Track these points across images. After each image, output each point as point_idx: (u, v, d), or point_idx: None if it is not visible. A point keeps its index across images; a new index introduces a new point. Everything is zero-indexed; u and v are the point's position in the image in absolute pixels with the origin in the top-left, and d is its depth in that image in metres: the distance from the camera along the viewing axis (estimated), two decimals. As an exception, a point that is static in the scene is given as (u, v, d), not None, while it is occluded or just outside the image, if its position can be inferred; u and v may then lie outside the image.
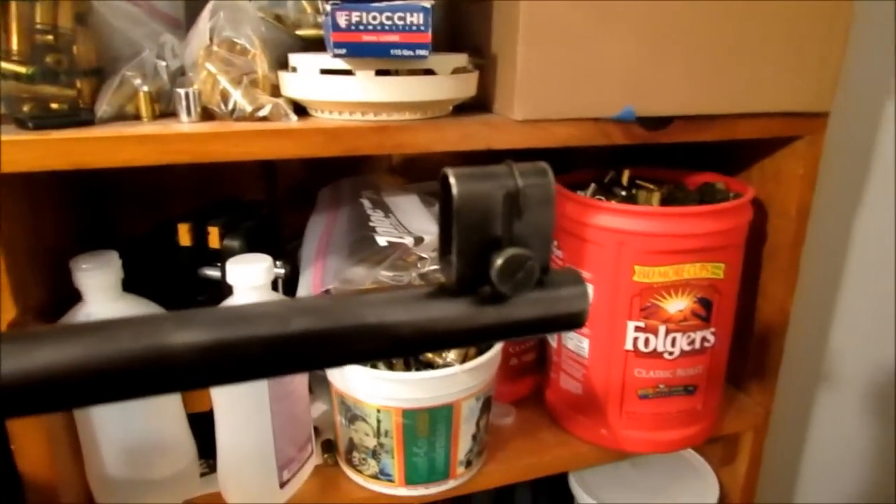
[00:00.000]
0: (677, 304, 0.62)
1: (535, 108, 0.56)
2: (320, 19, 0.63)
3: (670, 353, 0.63)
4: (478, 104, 0.61)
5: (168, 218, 0.69)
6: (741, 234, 0.64)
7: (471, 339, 0.19)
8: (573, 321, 0.21)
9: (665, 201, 0.69)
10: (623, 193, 0.71)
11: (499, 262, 0.19)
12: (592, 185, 0.71)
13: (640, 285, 0.61)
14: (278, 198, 0.82)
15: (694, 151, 0.75)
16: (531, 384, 0.79)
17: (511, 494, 0.96)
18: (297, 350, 0.18)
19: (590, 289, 0.54)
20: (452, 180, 0.19)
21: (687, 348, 0.63)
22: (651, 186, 0.72)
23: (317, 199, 0.72)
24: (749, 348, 0.78)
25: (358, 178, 0.74)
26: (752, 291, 0.76)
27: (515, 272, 0.19)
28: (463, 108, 0.59)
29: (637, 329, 0.62)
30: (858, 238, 1.00)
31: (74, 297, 0.55)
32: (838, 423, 1.14)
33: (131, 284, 0.57)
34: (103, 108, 0.53)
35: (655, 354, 0.63)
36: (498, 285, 0.19)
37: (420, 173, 0.84)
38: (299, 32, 0.63)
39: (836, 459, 1.17)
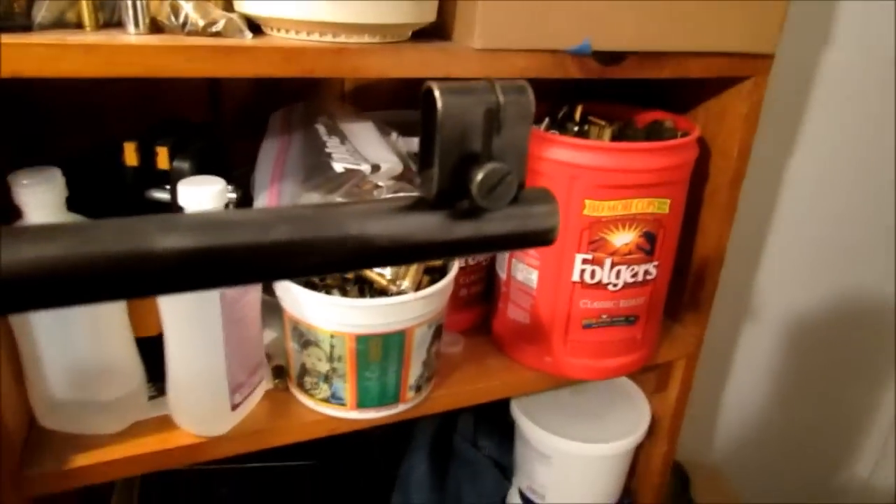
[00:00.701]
0: (623, 238, 0.64)
1: (495, 38, 0.55)
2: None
3: (614, 285, 0.66)
4: (436, 31, 0.60)
5: (110, 137, 0.67)
6: (687, 171, 0.67)
7: (448, 252, 0.20)
8: (545, 237, 0.22)
9: (616, 137, 0.70)
10: (576, 129, 0.72)
11: (479, 176, 0.19)
12: (546, 119, 0.72)
13: (589, 219, 0.63)
14: (223, 120, 0.80)
15: (644, 89, 0.77)
16: (479, 314, 0.81)
17: (454, 420, 1.00)
18: (278, 257, 0.19)
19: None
20: (437, 94, 0.19)
21: (630, 280, 0.66)
22: (602, 122, 0.73)
23: (268, 123, 0.71)
24: (686, 281, 0.82)
25: (311, 103, 0.73)
26: (692, 227, 0.79)
27: (495, 186, 0.20)
28: (421, 34, 0.58)
29: (584, 261, 0.65)
30: (790, 180, 1.05)
31: (13, 215, 0.53)
32: (758, 353, 1.22)
33: (74, 204, 0.56)
34: (42, 13, 0.50)
35: (600, 286, 0.66)
36: (477, 199, 0.20)
37: (370, 101, 0.83)
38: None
39: (755, 387, 1.26)
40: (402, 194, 0.18)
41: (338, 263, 0.20)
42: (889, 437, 1.40)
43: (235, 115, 0.79)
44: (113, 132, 0.70)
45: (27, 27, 0.49)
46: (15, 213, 0.53)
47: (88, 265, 0.17)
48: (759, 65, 0.68)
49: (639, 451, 0.93)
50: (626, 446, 0.85)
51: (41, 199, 0.52)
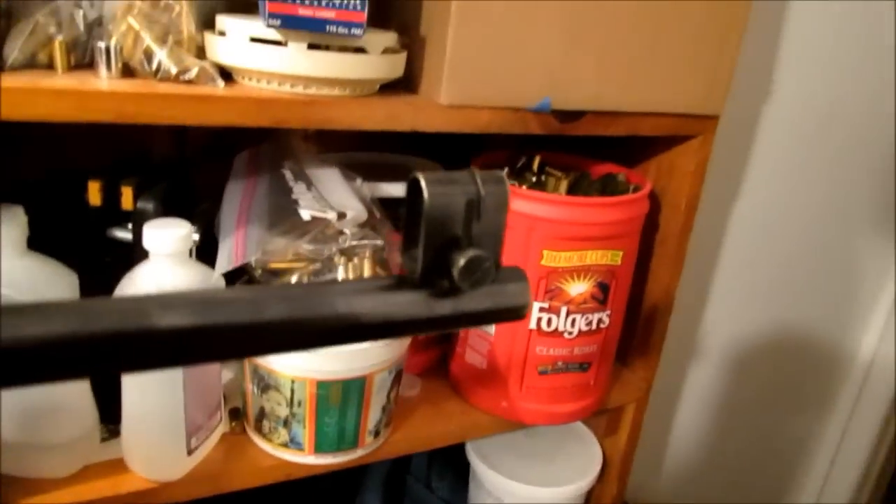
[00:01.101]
0: (578, 288, 0.67)
1: (460, 94, 0.58)
2: (247, -19, 0.62)
3: (570, 333, 0.68)
4: (402, 82, 0.62)
5: (72, 167, 0.66)
6: (639, 224, 0.70)
7: (430, 327, 0.21)
8: (517, 313, 0.23)
9: (571, 188, 0.73)
10: (533, 178, 0.75)
11: (461, 262, 0.21)
12: (505, 169, 0.74)
13: (546, 269, 0.65)
14: (187, 155, 0.80)
15: (599, 142, 0.80)
16: (435, 356, 0.82)
17: (408, 460, 1.00)
18: (272, 334, 0.20)
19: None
20: (423, 185, 0.21)
21: (584, 328, 0.68)
22: (559, 174, 0.76)
23: (233, 163, 0.71)
24: (636, 327, 0.85)
25: (276, 145, 0.73)
26: (642, 275, 0.82)
27: (475, 271, 0.21)
28: (387, 86, 0.60)
29: (541, 310, 0.67)
30: (732, 228, 1.10)
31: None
32: (703, 390, 1.26)
33: (33, 241, 0.55)
34: (14, 54, 0.50)
35: (556, 333, 0.68)
36: (458, 282, 0.21)
37: (332, 142, 0.85)
38: (224, -8, 0.62)
39: (700, 422, 1.30)
40: (381, 276, 0.19)
41: (328, 339, 0.21)
42: (833, 465, 1.46)
43: (200, 150, 0.79)
44: (75, 162, 0.70)
45: (-4, 68, 0.49)
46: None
47: (89, 343, 0.18)
48: (706, 125, 0.72)
49: (589, 493, 0.95)
50: (578, 490, 0.87)
51: (2, 238, 0.51)
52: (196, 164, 0.79)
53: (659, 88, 0.66)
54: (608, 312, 0.70)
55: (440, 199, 0.21)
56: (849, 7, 1.00)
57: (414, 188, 0.21)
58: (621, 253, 0.67)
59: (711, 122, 0.72)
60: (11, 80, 0.46)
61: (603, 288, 0.68)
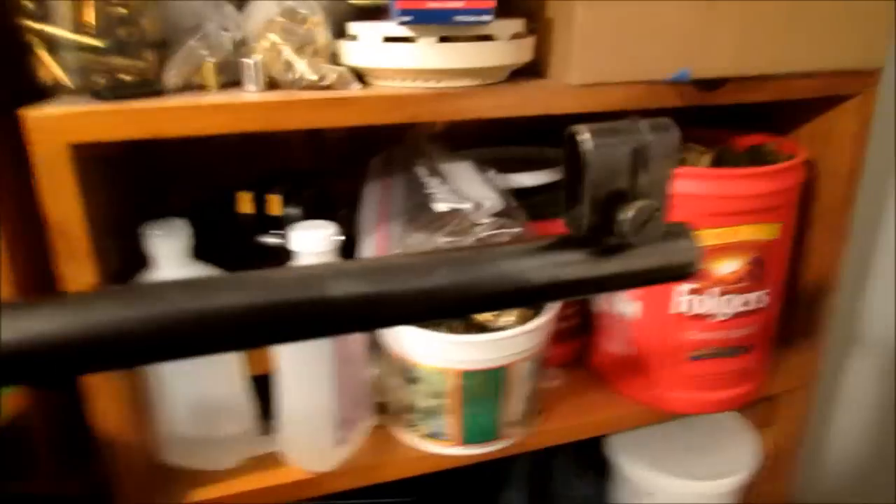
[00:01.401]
0: (731, 266, 0.63)
1: (591, 72, 0.56)
2: (372, -12, 0.63)
3: (724, 315, 0.64)
4: (531, 69, 0.61)
5: (219, 188, 0.71)
6: (794, 195, 0.65)
7: (598, 288, 0.21)
8: (687, 270, 0.22)
9: (715, 163, 0.69)
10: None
11: (630, 214, 0.20)
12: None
13: (693, 248, 0.62)
14: (323, 166, 0.83)
15: (742, 112, 0.75)
16: (575, 348, 0.80)
17: (551, 457, 0.98)
18: (441, 299, 0.20)
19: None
20: (585, 136, 0.20)
21: (741, 309, 0.64)
22: (700, 148, 0.72)
23: (369, 168, 0.74)
24: (797, 309, 0.78)
25: (407, 147, 0.75)
26: (801, 252, 0.76)
27: (645, 223, 0.20)
28: (516, 73, 0.60)
29: (691, 291, 0.63)
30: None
31: (142, 264, 0.58)
32: (868, 384, 1.14)
33: (196, 251, 0.59)
34: (172, 79, 0.55)
35: (708, 316, 0.64)
36: (628, 235, 0.20)
37: (463, 140, 0.85)
38: (352, 2, 0.64)
39: (867, 420, 1.18)
40: (546, 236, 0.18)
41: (495, 303, 0.21)
42: None
43: (335, 161, 0.83)
44: (221, 183, 0.75)
45: (160, 92, 0.54)
46: (145, 261, 0.57)
47: (273, 312, 0.19)
48: (867, 81, 0.66)
49: (747, 491, 0.88)
50: (734, 484, 0.81)
51: (171, 248, 0.56)
52: (332, 173, 0.83)
53: (808, 45, 0.61)
54: (766, 291, 0.65)
55: (603, 149, 0.20)
56: None
57: (571, 141, 0.20)
58: (779, 226, 0.62)
59: (872, 77, 0.66)
60: (174, 102, 0.51)
61: (758, 265, 0.63)
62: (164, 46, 0.58)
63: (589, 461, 0.98)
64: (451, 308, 0.20)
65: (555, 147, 0.72)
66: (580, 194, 0.20)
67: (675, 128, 0.20)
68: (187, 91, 0.56)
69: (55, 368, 0.17)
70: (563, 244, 0.21)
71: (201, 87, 0.57)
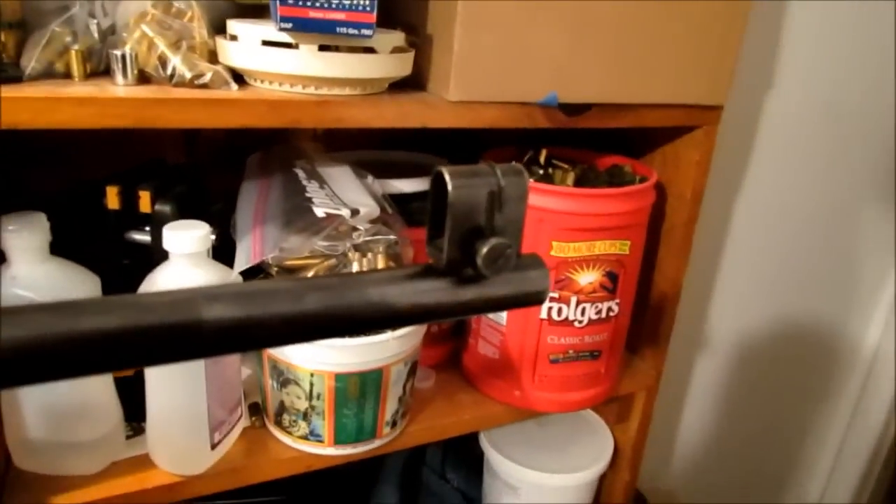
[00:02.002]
0: (588, 277, 0.68)
1: (468, 91, 0.59)
2: (255, -15, 0.63)
3: (580, 322, 0.69)
4: (410, 81, 0.63)
5: (86, 176, 0.68)
6: (646, 215, 0.71)
7: (456, 313, 0.23)
8: (538, 298, 0.25)
9: (578, 181, 0.74)
10: (541, 172, 0.76)
11: (484, 249, 0.22)
12: (513, 163, 0.75)
13: (556, 259, 0.66)
14: (198, 159, 0.81)
15: (604, 136, 0.81)
16: (448, 349, 0.83)
17: (422, 452, 1.02)
18: (311, 324, 0.21)
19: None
20: (447, 178, 0.22)
21: (594, 317, 0.70)
22: (566, 166, 0.77)
23: (245, 165, 0.73)
24: (645, 317, 0.86)
25: (287, 147, 0.75)
26: (650, 265, 0.83)
27: (497, 258, 0.23)
28: (396, 84, 0.61)
29: (552, 300, 0.68)
30: (737, 219, 1.11)
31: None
32: (712, 380, 1.27)
33: (54, 247, 0.56)
34: (32, 64, 0.52)
35: (567, 323, 0.69)
36: (482, 269, 0.23)
37: (339, 142, 0.86)
38: (234, -2, 0.63)
39: (709, 413, 1.31)
40: (409, 265, 0.20)
41: (361, 326, 0.22)
42: (838, 457, 1.47)
43: (210, 154, 0.81)
44: (89, 171, 0.71)
45: (18, 78, 0.50)
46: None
47: (143, 336, 0.19)
48: (710, 115, 0.73)
49: (602, 481, 0.96)
50: (591, 476, 0.88)
51: (26, 243, 0.53)
52: (206, 167, 0.81)
53: (663, 80, 0.67)
54: (617, 301, 0.71)
55: (464, 190, 0.22)
56: (848, 6, 1.00)
57: (438, 181, 0.22)
58: (629, 243, 0.68)
59: (715, 112, 0.73)
60: (33, 90, 0.48)
61: (612, 277, 0.69)
62: (23, 27, 0.54)
63: (462, 456, 1.02)
64: (321, 331, 0.22)
65: (429, 154, 0.74)
66: (443, 229, 0.22)
67: (525, 174, 0.23)
68: (48, 78, 0.53)
69: None
70: (425, 273, 0.23)
71: (65, 75, 0.54)
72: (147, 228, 0.63)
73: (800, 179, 1.13)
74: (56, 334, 0.18)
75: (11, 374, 0.18)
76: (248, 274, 0.59)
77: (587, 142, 0.83)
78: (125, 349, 0.19)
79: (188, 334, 0.20)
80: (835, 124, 1.10)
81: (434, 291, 0.23)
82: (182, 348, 0.20)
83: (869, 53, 1.07)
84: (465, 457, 1.03)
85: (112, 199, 0.61)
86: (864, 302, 1.34)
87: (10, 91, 0.47)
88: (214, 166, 0.80)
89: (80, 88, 0.50)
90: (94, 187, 0.63)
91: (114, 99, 0.49)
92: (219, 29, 0.59)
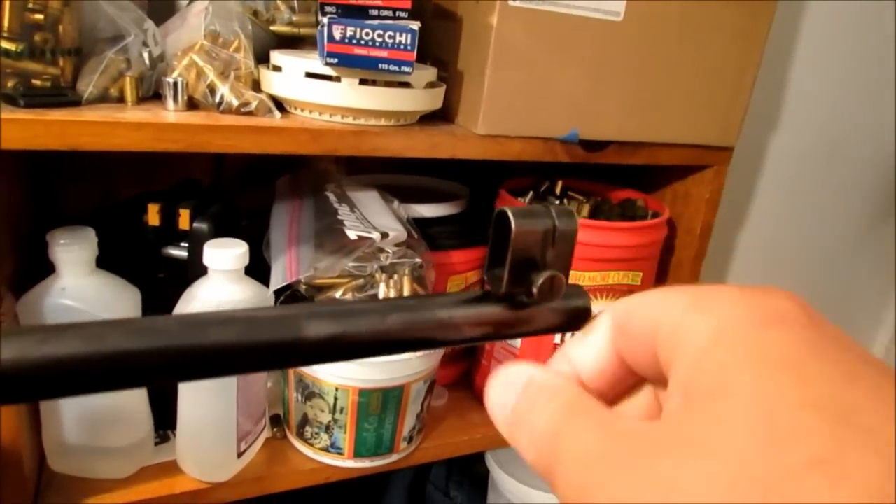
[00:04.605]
0: (600, 306, 0.71)
1: (496, 125, 0.62)
2: (295, 18, 0.67)
3: (592, 347, 0.72)
4: (439, 113, 0.66)
5: (120, 196, 0.71)
6: (657, 248, 0.74)
7: (513, 335, 0.26)
8: (581, 322, 0.28)
9: (592, 213, 0.78)
10: (556, 202, 0.79)
11: (540, 280, 0.26)
12: (530, 193, 0.79)
13: (571, 287, 0.69)
14: (224, 179, 0.85)
15: (618, 170, 0.85)
16: (461, 369, 0.86)
17: (427, 469, 1.04)
18: (393, 340, 0.24)
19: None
20: (511, 218, 0.25)
21: (606, 343, 0.72)
22: (581, 198, 0.81)
23: (276, 187, 0.76)
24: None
25: (315, 170, 0.78)
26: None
27: (551, 288, 0.26)
28: (426, 116, 0.65)
29: (566, 325, 0.71)
30: (740, 253, 1.14)
31: (42, 271, 0.57)
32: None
33: (98, 260, 0.59)
34: (89, 89, 0.55)
35: (579, 347, 0.72)
36: (537, 297, 0.26)
37: (360, 166, 0.89)
38: (274, 28, 0.67)
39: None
40: (472, 291, 0.23)
41: (431, 343, 0.25)
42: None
43: (235, 174, 0.84)
44: (119, 189, 0.75)
45: (77, 102, 0.54)
46: (47, 267, 0.57)
47: (256, 348, 0.22)
48: (721, 156, 0.77)
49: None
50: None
51: (76, 257, 0.56)
52: (233, 185, 0.84)
53: (677, 121, 0.71)
54: (628, 329, 0.74)
55: (525, 229, 0.25)
56: (853, 41, 1.05)
57: (502, 218, 0.26)
58: (641, 274, 0.71)
59: (726, 153, 0.77)
60: (92, 114, 0.51)
61: (623, 306, 0.72)
62: (79, 54, 0.58)
63: (466, 474, 1.04)
64: (401, 346, 0.25)
65: (449, 180, 0.77)
66: (502, 260, 0.26)
67: (576, 216, 0.26)
68: (103, 102, 0.56)
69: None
70: (485, 298, 0.26)
71: (118, 100, 0.57)
72: (183, 244, 0.66)
73: (802, 214, 1.17)
74: (187, 345, 0.21)
75: (149, 376, 0.21)
76: (278, 291, 0.62)
77: (601, 175, 0.86)
78: (242, 359, 0.22)
79: (292, 347, 0.23)
80: (836, 165, 1.14)
81: (494, 315, 0.26)
82: (286, 359, 0.23)
83: (872, 92, 1.12)
84: (468, 474, 1.05)
85: (153, 215, 0.64)
86: (864, 336, 1.37)
87: (70, 115, 0.50)
88: (240, 186, 0.84)
89: (134, 113, 0.53)
90: (133, 205, 0.66)
91: (168, 125, 0.52)
92: (259, 58, 0.62)
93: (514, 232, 0.25)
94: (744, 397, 0.16)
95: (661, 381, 0.21)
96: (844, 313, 1.32)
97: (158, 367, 0.21)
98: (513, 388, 0.23)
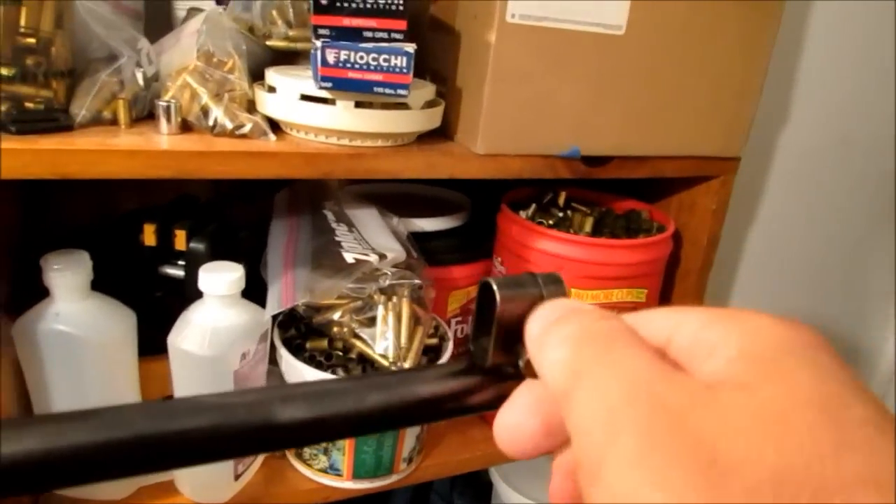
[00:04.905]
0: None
1: (495, 144, 0.61)
2: (291, 32, 0.66)
3: (595, 366, 0.71)
4: (439, 129, 0.65)
5: (119, 209, 0.71)
6: (662, 264, 0.73)
7: (497, 406, 0.25)
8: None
9: (596, 224, 0.76)
10: (560, 214, 0.78)
11: (527, 354, 0.25)
12: (533, 206, 0.78)
13: (573, 305, 0.68)
14: (224, 192, 0.84)
15: (622, 179, 0.83)
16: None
17: (431, 483, 1.03)
18: (370, 421, 0.23)
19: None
20: (496, 290, 0.24)
21: (609, 361, 0.71)
22: (584, 209, 0.79)
23: (274, 202, 0.75)
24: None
25: (312, 183, 0.77)
26: (664, 308, 0.85)
27: (537, 363, 0.25)
28: (425, 133, 0.64)
29: (568, 343, 0.70)
30: (747, 262, 1.13)
31: (37, 289, 0.56)
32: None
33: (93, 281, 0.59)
34: (82, 112, 0.54)
35: (581, 365, 0.71)
36: (524, 370, 0.25)
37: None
38: (270, 43, 0.66)
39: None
40: (456, 363, 0.22)
41: (413, 420, 0.25)
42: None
43: (234, 187, 0.84)
44: (118, 202, 0.74)
45: (69, 126, 0.53)
46: (43, 286, 0.56)
47: (227, 435, 0.22)
48: (727, 166, 0.75)
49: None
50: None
51: (70, 282, 0.55)
52: (231, 200, 0.83)
53: (681, 133, 0.69)
54: (631, 346, 0.72)
55: (510, 301, 0.24)
56: (860, 42, 1.02)
57: (486, 289, 0.25)
58: (646, 291, 0.70)
59: (732, 163, 0.75)
60: (84, 140, 0.51)
61: (627, 323, 0.71)
62: (72, 75, 0.57)
63: (470, 483, 1.04)
64: (379, 426, 0.24)
65: (457, 189, 0.76)
66: (488, 331, 0.25)
67: (563, 283, 0.25)
68: (96, 124, 0.55)
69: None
70: (469, 370, 0.25)
71: (111, 122, 0.57)
72: (181, 263, 0.66)
73: (813, 215, 1.15)
74: (151, 434, 0.20)
75: (108, 470, 0.20)
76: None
77: (605, 185, 0.85)
78: (212, 447, 0.21)
79: (265, 433, 0.22)
80: (843, 171, 1.12)
81: (478, 389, 0.25)
82: (259, 445, 0.22)
83: (879, 95, 1.09)
84: (472, 484, 1.05)
85: (149, 236, 0.64)
86: (872, 355, 1.35)
87: (61, 143, 0.49)
88: (239, 199, 0.83)
89: (126, 139, 0.52)
90: (130, 223, 0.66)
91: (160, 152, 0.51)
92: (255, 73, 0.61)
93: (500, 303, 0.24)
94: (809, 388, 0.16)
95: None
96: (855, 320, 1.30)
97: (127, 459, 0.21)
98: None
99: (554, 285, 0.26)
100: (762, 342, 0.18)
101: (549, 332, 0.22)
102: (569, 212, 0.79)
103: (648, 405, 0.16)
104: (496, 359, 0.25)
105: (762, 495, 0.14)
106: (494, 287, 0.24)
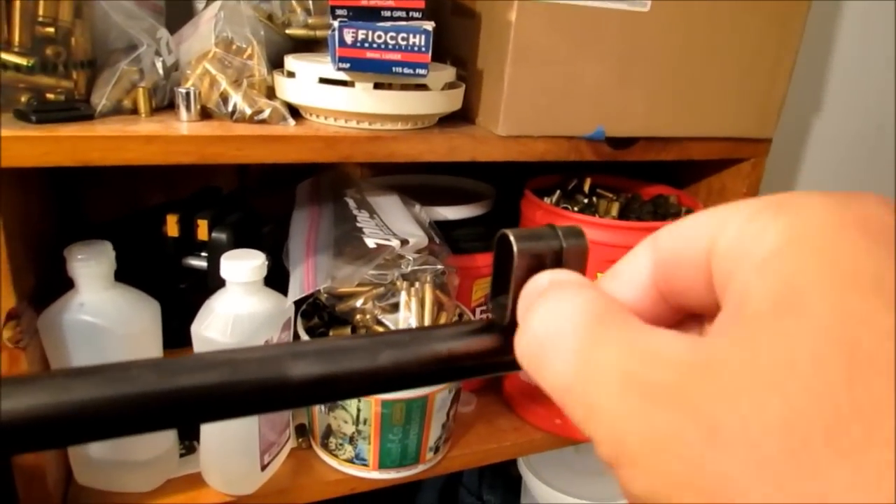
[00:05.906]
0: (632, 308, 0.68)
1: (517, 126, 0.60)
2: (310, 20, 0.65)
3: (624, 352, 0.69)
4: (458, 113, 0.64)
5: (144, 201, 0.71)
6: (690, 247, 0.71)
7: (517, 367, 0.24)
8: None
9: (622, 211, 0.75)
10: (585, 201, 0.76)
11: (547, 309, 0.23)
12: (557, 192, 0.76)
13: (600, 290, 0.67)
14: (248, 183, 0.84)
15: (649, 164, 0.82)
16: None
17: (460, 472, 1.02)
18: (384, 378, 0.22)
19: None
20: (513, 241, 0.23)
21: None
22: (610, 195, 0.78)
23: (296, 192, 0.75)
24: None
25: (334, 173, 0.77)
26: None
27: (558, 316, 0.24)
28: (445, 117, 0.63)
29: (595, 329, 0.68)
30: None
31: (63, 282, 0.57)
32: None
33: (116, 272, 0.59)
34: (103, 102, 0.54)
35: (610, 353, 0.69)
36: (544, 326, 0.24)
37: (383, 166, 0.88)
38: (289, 32, 0.66)
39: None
40: (474, 321, 0.21)
41: (428, 380, 0.24)
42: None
43: (259, 178, 0.84)
44: (143, 194, 0.75)
45: (90, 116, 0.53)
46: (66, 281, 0.56)
47: (237, 391, 0.21)
48: (758, 148, 0.73)
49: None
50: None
51: (94, 272, 0.55)
52: (255, 191, 0.84)
53: (710, 114, 0.67)
54: (661, 333, 0.71)
55: (528, 252, 0.23)
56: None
57: (503, 242, 0.24)
58: (674, 274, 0.68)
59: (763, 145, 0.73)
60: (104, 128, 0.51)
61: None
62: (93, 66, 0.57)
63: (499, 477, 1.03)
64: (394, 384, 0.23)
65: (481, 179, 0.75)
66: (506, 287, 0.23)
67: (584, 236, 0.24)
68: (117, 114, 0.56)
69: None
70: (488, 329, 0.24)
71: (133, 111, 0.57)
72: (203, 254, 0.65)
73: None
74: (160, 391, 0.20)
75: (115, 426, 0.20)
76: (300, 299, 0.61)
77: (631, 170, 0.83)
78: (220, 404, 0.21)
79: (276, 389, 0.21)
80: (881, 151, 1.09)
81: (497, 347, 0.24)
82: (270, 402, 0.21)
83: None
84: (501, 478, 1.03)
85: (171, 226, 0.64)
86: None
87: (81, 130, 0.49)
88: (263, 190, 0.83)
89: (146, 126, 0.52)
90: (153, 215, 0.66)
91: (179, 137, 0.51)
92: (275, 62, 0.61)
93: (518, 257, 0.23)
94: (820, 316, 0.13)
95: (713, 318, 0.17)
96: None
97: (132, 416, 0.20)
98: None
99: (574, 238, 0.24)
100: (813, 224, 0.15)
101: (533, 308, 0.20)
102: (594, 198, 0.77)
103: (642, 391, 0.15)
104: (515, 315, 0.24)
105: (768, 448, 0.12)
106: (512, 239, 0.23)
